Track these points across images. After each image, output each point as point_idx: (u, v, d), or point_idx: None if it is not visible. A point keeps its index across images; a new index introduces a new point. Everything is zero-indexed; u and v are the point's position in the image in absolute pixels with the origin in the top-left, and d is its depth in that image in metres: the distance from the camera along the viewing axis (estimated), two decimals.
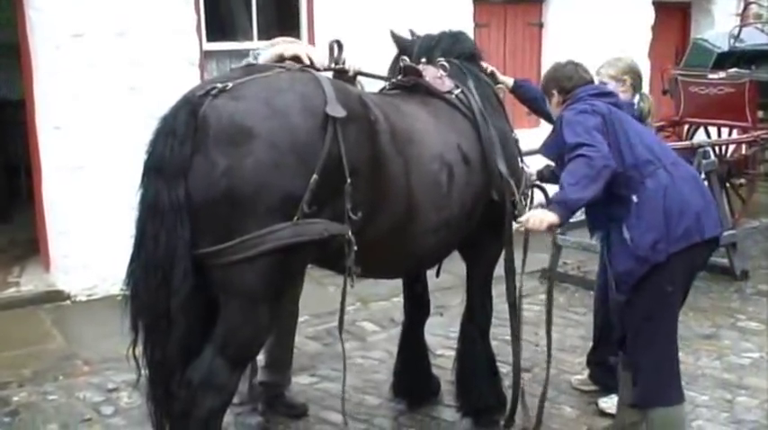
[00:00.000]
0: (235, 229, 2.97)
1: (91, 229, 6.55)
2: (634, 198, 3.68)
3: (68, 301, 6.63)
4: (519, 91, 4.80)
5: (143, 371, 3.14)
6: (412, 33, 4.50)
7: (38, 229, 6.92)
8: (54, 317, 6.30)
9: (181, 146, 2.95)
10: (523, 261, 4.12)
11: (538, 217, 3.58)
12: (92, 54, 6.46)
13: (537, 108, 4.71)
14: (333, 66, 3.89)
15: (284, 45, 4.00)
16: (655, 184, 3.68)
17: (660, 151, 3.81)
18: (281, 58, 3.71)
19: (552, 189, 4.39)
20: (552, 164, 4.35)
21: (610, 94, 4.06)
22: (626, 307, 3.81)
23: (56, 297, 6.59)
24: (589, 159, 3.53)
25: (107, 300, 6.46)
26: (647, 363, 3.80)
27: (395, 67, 4.32)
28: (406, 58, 4.21)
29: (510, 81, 4.78)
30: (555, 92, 4.10)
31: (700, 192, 3.79)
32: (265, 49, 4.06)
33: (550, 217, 3.53)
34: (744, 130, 8.55)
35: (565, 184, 3.55)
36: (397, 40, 4.47)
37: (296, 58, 3.74)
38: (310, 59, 3.74)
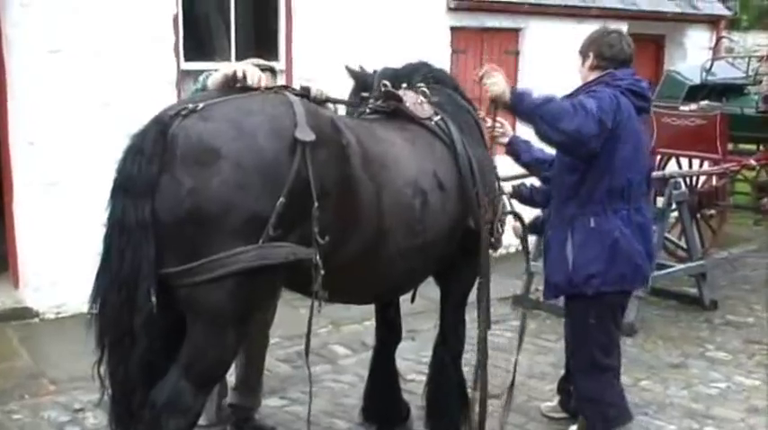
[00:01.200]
0: (200, 250, 2.96)
1: (61, 246, 6.50)
2: (591, 222, 3.81)
3: (37, 319, 6.57)
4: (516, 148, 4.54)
5: (107, 391, 3.11)
6: (362, 68, 4.47)
7: (8, 245, 6.84)
8: (21, 334, 6.23)
9: (148, 164, 2.94)
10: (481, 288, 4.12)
11: (500, 82, 3.71)
12: (68, 71, 6.44)
13: (534, 169, 4.62)
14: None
15: (226, 65, 3.90)
16: (615, 223, 3.80)
17: (635, 190, 3.86)
18: (228, 78, 3.57)
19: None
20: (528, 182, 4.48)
21: (643, 96, 3.96)
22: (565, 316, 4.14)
23: (24, 314, 6.53)
24: (579, 113, 3.59)
25: (76, 318, 6.38)
26: (580, 388, 4.14)
27: (357, 101, 4.28)
28: (387, 83, 4.19)
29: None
30: (592, 55, 4.00)
31: (647, 245, 3.94)
32: (210, 74, 3.95)
33: (504, 90, 3.69)
34: (714, 162, 8.67)
35: (537, 96, 3.69)
36: (354, 74, 4.44)
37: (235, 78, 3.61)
38: (244, 76, 3.55)
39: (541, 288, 7.15)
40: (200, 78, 4.02)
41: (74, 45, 6.46)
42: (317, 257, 3.18)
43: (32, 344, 6.03)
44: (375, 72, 4.37)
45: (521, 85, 9.20)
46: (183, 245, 2.98)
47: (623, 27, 9.88)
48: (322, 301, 3.32)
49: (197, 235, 2.96)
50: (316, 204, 3.11)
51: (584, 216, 3.84)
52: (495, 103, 3.88)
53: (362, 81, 4.37)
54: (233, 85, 3.37)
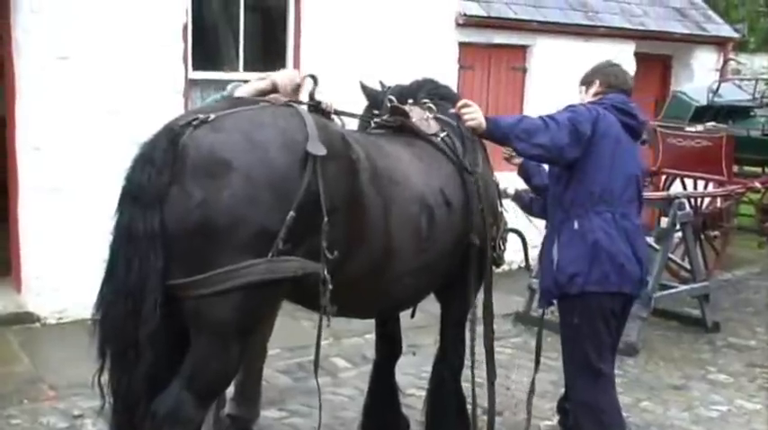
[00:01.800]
0: (208, 262, 2.94)
1: (64, 252, 6.51)
2: (575, 224, 3.91)
3: (38, 324, 6.56)
4: (528, 171, 4.67)
5: (108, 399, 3.09)
6: (382, 85, 4.50)
7: (11, 250, 6.85)
8: (22, 339, 6.23)
9: (158, 174, 2.92)
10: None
11: (477, 113, 3.82)
12: (77, 77, 6.46)
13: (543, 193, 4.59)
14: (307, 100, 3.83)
15: (258, 76, 3.96)
16: (598, 223, 3.88)
17: (617, 195, 3.94)
18: (261, 92, 3.64)
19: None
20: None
21: (630, 113, 4.07)
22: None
23: (25, 319, 6.52)
24: (550, 126, 3.77)
25: (77, 324, 6.38)
26: (573, 391, 4.16)
27: (365, 118, 4.31)
28: (393, 98, 4.21)
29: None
30: (597, 82, 4.17)
31: (635, 248, 3.95)
32: (239, 85, 4.02)
33: (481, 121, 3.80)
34: (719, 184, 8.66)
35: (510, 119, 3.91)
36: (367, 91, 4.46)
37: (274, 89, 3.67)
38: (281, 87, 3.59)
39: None
40: (229, 87, 4.07)
41: (83, 52, 6.48)
42: (325, 272, 3.17)
43: (33, 349, 6.03)
44: (387, 89, 4.39)
45: (528, 102, 9.29)
46: (190, 256, 2.96)
47: (630, 47, 9.93)
48: (329, 316, 3.30)
49: (205, 247, 2.94)
50: (325, 219, 3.10)
51: (569, 220, 3.95)
52: (475, 132, 3.97)
53: (374, 98, 4.38)
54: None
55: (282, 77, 3.96)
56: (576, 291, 3.89)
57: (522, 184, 4.84)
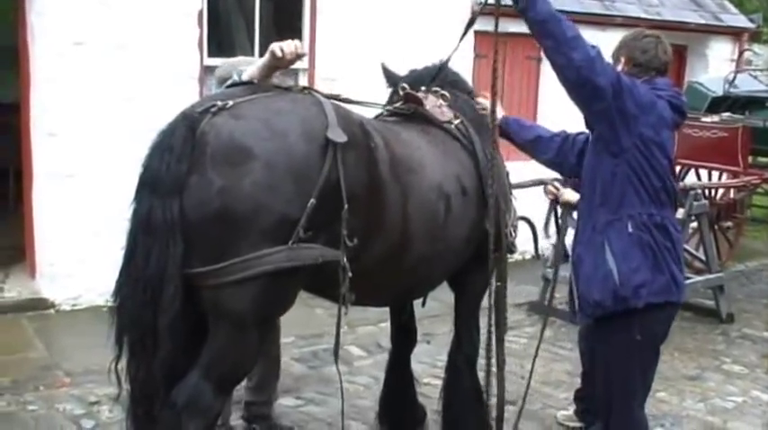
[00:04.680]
0: (228, 251, 2.91)
1: (78, 238, 6.51)
2: (629, 226, 3.47)
3: (52, 310, 6.57)
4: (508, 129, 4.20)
5: (125, 387, 3.08)
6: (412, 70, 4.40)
7: (25, 236, 6.84)
8: (37, 325, 6.23)
9: (177, 163, 2.89)
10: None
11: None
12: (92, 63, 6.45)
13: (534, 148, 4.19)
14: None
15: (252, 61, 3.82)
16: (651, 225, 3.48)
17: (671, 197, 3.60)
18: (267, 68, 3.43)
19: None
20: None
21: (682, 112, 3.64)
22: (593, 341, 3.76)
23: (39, 305, 6.53)
24: (583, 48, 3.30)
25: (91, 310, 6.42)
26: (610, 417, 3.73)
27: (392, 101, 4.27)
28: (405, 85, 4.19)
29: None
30: (623, 59, 3.67)
31: (678, 253, 3.61)
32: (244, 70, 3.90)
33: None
34: (734, 175, 8.61)
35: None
36: (388, 74, 4.41)
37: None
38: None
39: (558, 295, 7.26)
40: (235, 75, 4.00)
41: (98, 37, 6.46)
42: (345, 260, 3.16)
43: (47, 336, 6.04)
44: (412, 72, 4.36)
45: (542, 92, 9.23)
46: (210, 245, 2.93)
47: None
48: (348, 304, 3.29)
49: (226, 235, 2.91)
50: (345, 206, 3.08)
51: (619, 221, 3.49)
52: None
53: (394, 83, 4.34)
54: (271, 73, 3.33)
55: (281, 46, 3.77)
56: (641, 305, 3.46)
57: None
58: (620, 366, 3.63)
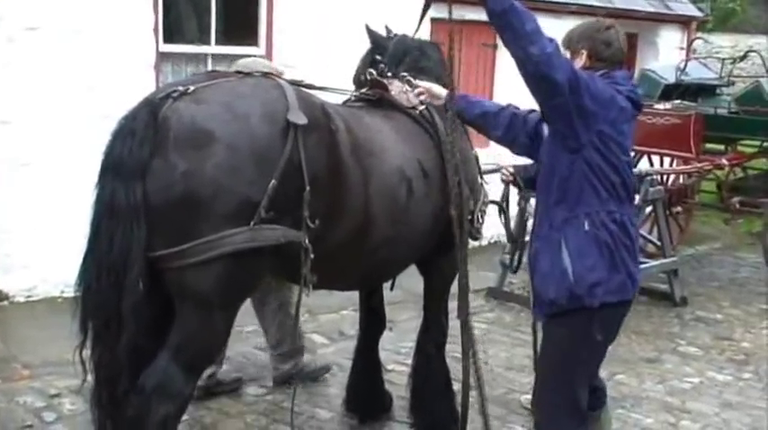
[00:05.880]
0: (191, 233, 2.96)
1: (34, 229, 6.35)
2: (586, 224, 3.38)
3: (6, 302, 6.42)
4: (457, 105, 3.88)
5: (88, 376, 3.09)
6: (387, 30, 4.48)
7: None
8: None
9: (140, 147, 2.93)
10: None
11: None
12: (46, 49, 6.30)
13: (483, 124, 4.01)
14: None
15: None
16: (609, 223, 3.39)
17: (630, 192, 3.54)
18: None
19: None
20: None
21: (639, 106, 3.53)
22: (544, 339, 3.65)
23: None
24: (545, 44, 3.16)
25: (47, 301, 6.30)
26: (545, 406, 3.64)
27: (366, 60, 4.33)
28: (372, 71, 4.18)
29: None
30: (584, 53, 3.50)
31: (635, 248, 3.54)
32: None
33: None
34: (686, 161, 8.79)
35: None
36: (373, 36, 4.42)
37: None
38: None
39: (515, 281, 7.34)
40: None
41: (53, 23, 6.31)
42: (306, 241, 3.19)
43: (3, 328, 5.89)
44: (394, 36, 4.39)
45: (498, 78, 9.29)
46: (173, 227, 2.97)
47: None
48: (310, 287, 3.32)
49: (189, 218, 2.95)
50: (307, 188, 3.13)
51: (576, 219, 3.40)
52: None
53: (378, 44, 4.36)
54: None
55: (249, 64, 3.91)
56: (596, 304, 3.37)
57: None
58: (568, 363, 3.54)
